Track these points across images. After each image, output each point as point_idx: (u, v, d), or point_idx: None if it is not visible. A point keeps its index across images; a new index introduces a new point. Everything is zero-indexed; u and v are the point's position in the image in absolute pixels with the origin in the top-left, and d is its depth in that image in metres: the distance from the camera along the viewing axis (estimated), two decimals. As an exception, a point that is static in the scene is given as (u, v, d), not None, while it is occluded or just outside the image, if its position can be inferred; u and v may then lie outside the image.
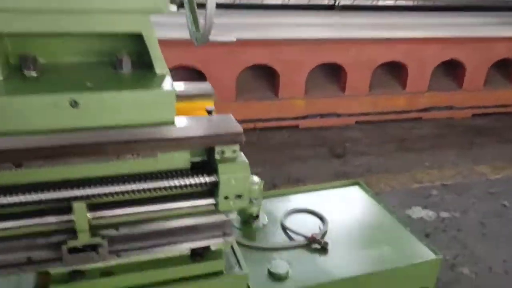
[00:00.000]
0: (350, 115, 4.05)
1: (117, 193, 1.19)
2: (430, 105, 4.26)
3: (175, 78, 1.27)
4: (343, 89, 4.01)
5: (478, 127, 4.13)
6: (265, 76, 3.88)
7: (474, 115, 4.36)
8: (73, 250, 1.19)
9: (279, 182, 3.00)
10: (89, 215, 1.19)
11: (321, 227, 2.12)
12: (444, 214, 2.70)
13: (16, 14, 1.12)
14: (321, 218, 2.21)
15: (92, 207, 1.19)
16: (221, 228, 1.44)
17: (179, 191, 1.27)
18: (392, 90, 4.18)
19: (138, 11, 1.18)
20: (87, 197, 1.17)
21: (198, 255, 1.43)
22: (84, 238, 1.20)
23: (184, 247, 1.37)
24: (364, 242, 2.06)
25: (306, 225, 2.13)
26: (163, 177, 1.24)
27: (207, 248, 1.45)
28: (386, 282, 1.93)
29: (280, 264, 1.83)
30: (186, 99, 1.58)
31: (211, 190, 1.32)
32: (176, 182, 1.25)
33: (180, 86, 1.55)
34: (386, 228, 2.17)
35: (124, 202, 1.22)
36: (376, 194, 2.73)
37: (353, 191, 2.50)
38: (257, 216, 2.12)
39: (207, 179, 1.27)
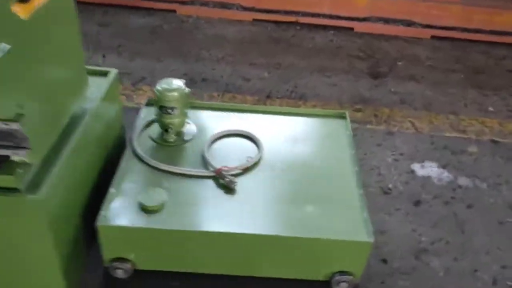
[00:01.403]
0: (426, 26, 3.15)
1: None
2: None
3: None
4: (426, -11, 3.08)
5: None
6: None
7: None
8: None
9: (276, 93, 2.47)
10: None
11: (249, 159, 1.69)
12: (463, 181, 1.99)
13: None
14: (257, 147, 1.76)
15: None
16: (10, 137, 1.13)
17: None
18: (498, 2, 3.11)
19: None
20: None
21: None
22: None
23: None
24: (292, 195, 1.59)
25: (238, 153, 1.72)
26: None
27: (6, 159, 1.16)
28: (282, 253, 1.48)
29: (153, 192, 1.49)
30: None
31: None
32: None
33: None
34: (334, 184, 1.65)
35: None
36: (388, 133, 2.12)
37: (332, 125, 1.95)
38: (175, 131, 1.74)
39: None
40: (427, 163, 2.08)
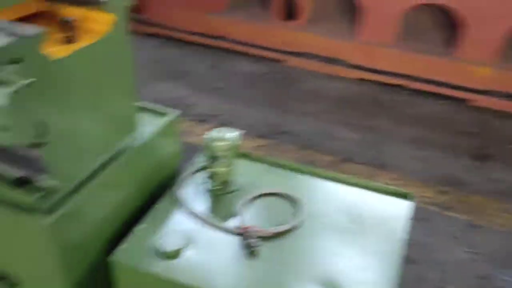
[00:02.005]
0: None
1: None
2: None
3: None
4: None
5: None
6: (443, 23, 2.90)
7: None
8: None
9: (356, 158, 2.32)
10: None
11: (280, 225, 1.59)
12: None
13: None
14: (297, 213, 1.66)
15: None
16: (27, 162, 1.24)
17: None
18: None
19: None
20: None
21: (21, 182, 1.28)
22: None
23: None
24: (313, 274, 1.43)
25: (279, 215, 1.62)
26: None
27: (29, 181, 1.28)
28: None
29: (175, 236, 1.48)
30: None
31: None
32: None
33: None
34: (366, 272, 1.46)
35: None
36: (471, 226, 1.86)
37: (393, 203, 1.75)
38: (221, 181, 1.71)
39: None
40: (509, 273, 1.73)
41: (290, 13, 3.22)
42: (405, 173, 2.24)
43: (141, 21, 3.54)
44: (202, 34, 3.37)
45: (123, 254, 1.44)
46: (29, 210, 1.26)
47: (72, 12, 1.28)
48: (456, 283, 1.69)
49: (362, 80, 3.03)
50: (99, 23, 1.31)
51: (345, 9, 3.11)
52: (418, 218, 1.97)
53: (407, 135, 2.53)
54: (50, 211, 1.27)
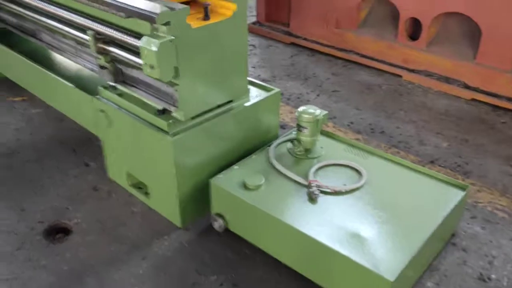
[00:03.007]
0: None
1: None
2: None
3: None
4: None
5: None
6: None
7: None
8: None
9: (442, 162, 2.51)
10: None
11: (344, 187, 1.97)
12: None
13: None
14: (359, 180, 2.00)
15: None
16: (168, 98, 1.86)
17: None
18: None
19: None
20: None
21: (162, 112, 1.92)
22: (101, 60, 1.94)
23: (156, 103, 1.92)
24: (362, 223, 1.78)
25: (342, 180, 2.00)
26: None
27: (168, 111, 1.90)
28: (330, 264, 1.70)
29: (256, 176, 1.97)
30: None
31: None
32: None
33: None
34: (407, 227, 1.76)
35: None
36: None
37: (449, 193, 1.98)
38: (303, 147, 2.14)
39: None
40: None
41: (414, 34, 3.49)
42: (488, 183, 2.37)
43: (285, 32, 4.15)
44: (332, 47, 3.83)
45: (220, 180, 1.98)
46: (163, 131, 1.87)
47: (210, 0, 1.86)
48: (501, 274, 1.84)
49: (473, 100, 3.15)
50: (226, 9, 1.88)
51: (467, 33, 3.27)
52: (483, 219, 2.14)
53: (503, 153, 2.62)
54: (175, 134, 1.86)
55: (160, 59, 1.64)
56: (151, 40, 1.63)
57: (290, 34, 4.13)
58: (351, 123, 2.93)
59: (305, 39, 4.01)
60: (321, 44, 3.89)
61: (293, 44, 4.08)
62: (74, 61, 2.39)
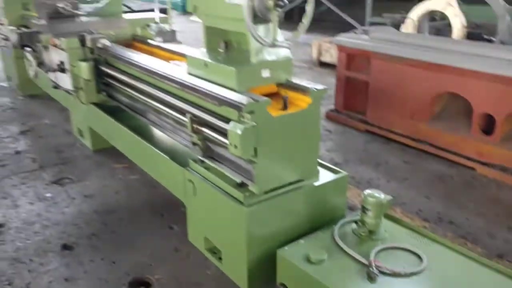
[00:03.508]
0: None
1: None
2: None
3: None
4: None
5: None
6: None
7: None
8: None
9: (510, 258, 2.50)
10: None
11: (403, 269, 2.07)
12: None
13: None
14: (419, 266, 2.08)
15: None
16: (246, 174, 2.16)
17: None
18: None
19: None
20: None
21: (240, 185, 2.22)
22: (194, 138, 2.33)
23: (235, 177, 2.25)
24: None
25: (400, 262, 2.12)
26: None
27: (246, 185, 2.20)
28: None
29: (320, 252, 2.16)
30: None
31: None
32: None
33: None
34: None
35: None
36: None
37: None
38: (367, 229, 2.29)
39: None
40: None
41: (488, 128, 3.57)
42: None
43: (361, 120, 4.41)
44: (406, 136, 4.00)
45: (286, 252, 2.19)
46: (239, 202, 2.15)
47: (288, 93, 2.19)
48: None
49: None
50: (302, 101, 2.19)
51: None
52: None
53: None
54: (249, 205, 2.13)
55: (242, 141, 1.96)
56: (237, 125, 1.96)
57: (365, 122, 4.37)
58: (420, 210, 3.02)
59: (379, 127, 4.22)
60: (395, 133, 4.08)
61: (367, 131, 4.30)
62: (170, 137, 2.80)
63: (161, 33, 3.55)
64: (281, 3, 1.99)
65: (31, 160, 3.78)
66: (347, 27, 5.72)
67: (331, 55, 6.83)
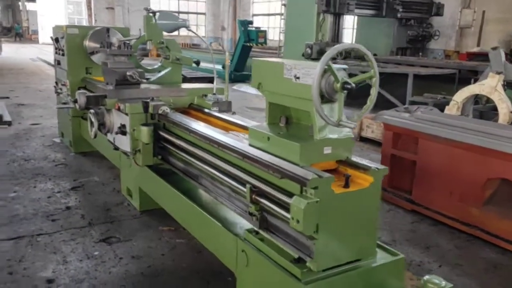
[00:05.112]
0: None
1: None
2: None
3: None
4: None
5: None
6: None
7: None
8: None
9: None
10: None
11: None
12: None
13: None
14: None
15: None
16: (304, 249, 2.16)
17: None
18: None
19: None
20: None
21: (297, 261, 2.22)
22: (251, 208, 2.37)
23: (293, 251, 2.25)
24: None
25: None
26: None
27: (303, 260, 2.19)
28: None
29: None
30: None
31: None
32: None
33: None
34: None
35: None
36: None
37: None
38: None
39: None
40: None
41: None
42: None
43: (407, 199, 4.35)
44: (456, 219, 3.90)
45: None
46: (296, 278, 2.13)
47: (350, 171, 2.22)
48: None
49: None
50: (363, 180, 2.21)
51: None
52: None
53: None
54: (307, 283, 2.10)
55: (306, 216, 1.97)
56: (301, 200, 1.99)
57: (411, 201, 4.31)
58: (473, 299, 2.88)
59: (427, 208, 4.15)
60: (444, 216, 3.99)
61: (414, 211, 4.23)
62: (223, 204, 2.84)
63: (217, 103, 3.72)
64: (348, 86, 2.08)
65: (80, 216, 3.88)
66: (386, 104, 5.79)
67: (372, 131, 6.88)
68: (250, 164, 2.44)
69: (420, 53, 11.97)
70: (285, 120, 2.51)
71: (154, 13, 3.92)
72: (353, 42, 12.45)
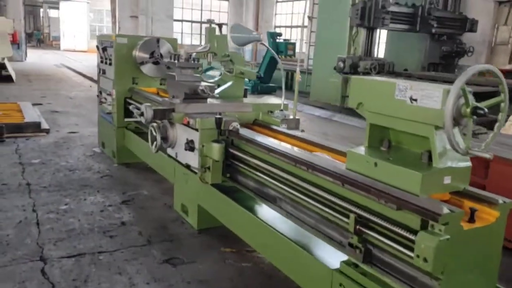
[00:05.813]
0: None
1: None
2: None
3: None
4: None
5: None
6: None
7: None
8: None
9: None
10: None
11: None
12: None
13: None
14: None
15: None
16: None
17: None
18: None
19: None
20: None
21: None
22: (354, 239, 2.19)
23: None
24: None
25: None
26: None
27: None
28: None
29: None
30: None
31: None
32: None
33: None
34: None
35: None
36: None
37: None
38: None
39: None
40: None
41: None
42: None
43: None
44: (533, 250, 3.67)
45: None
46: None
47: (467, 204, 2.02)
48: None
49: None
50: (488, 215, 2.02)
51: None
52: None
53: None
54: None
55: (436, 255, 1.78)
56: (430, 236, 1.81)
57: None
58: None
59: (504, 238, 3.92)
60: (521, 246, 3.77)
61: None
62: (309, 231, 2.65)
63: (285, 120, 3.56)
64: (481, 112, 1.90)
65: (137, 233, 3.72)
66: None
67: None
68: (351, 190, 2.27)
69: (456, 70, 11.71)
70: (388, 143, 2.34)
71: (220, 25, 3.79)
72: (383, 56, 12.24)
